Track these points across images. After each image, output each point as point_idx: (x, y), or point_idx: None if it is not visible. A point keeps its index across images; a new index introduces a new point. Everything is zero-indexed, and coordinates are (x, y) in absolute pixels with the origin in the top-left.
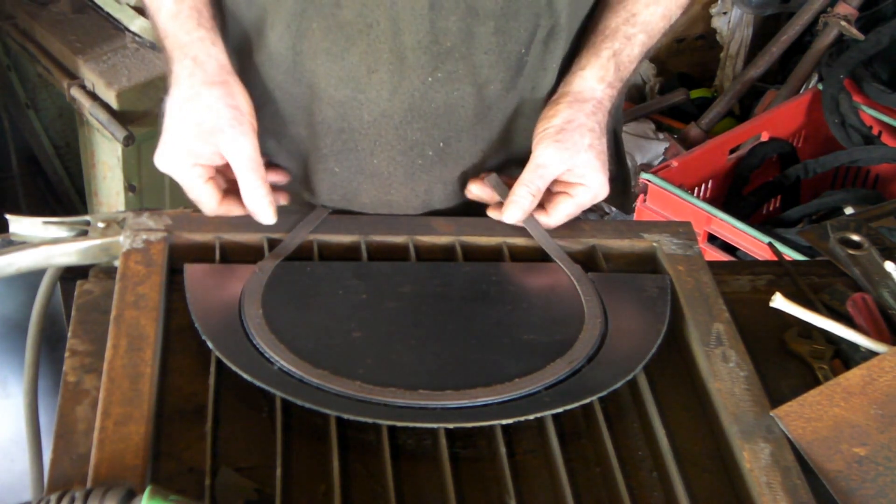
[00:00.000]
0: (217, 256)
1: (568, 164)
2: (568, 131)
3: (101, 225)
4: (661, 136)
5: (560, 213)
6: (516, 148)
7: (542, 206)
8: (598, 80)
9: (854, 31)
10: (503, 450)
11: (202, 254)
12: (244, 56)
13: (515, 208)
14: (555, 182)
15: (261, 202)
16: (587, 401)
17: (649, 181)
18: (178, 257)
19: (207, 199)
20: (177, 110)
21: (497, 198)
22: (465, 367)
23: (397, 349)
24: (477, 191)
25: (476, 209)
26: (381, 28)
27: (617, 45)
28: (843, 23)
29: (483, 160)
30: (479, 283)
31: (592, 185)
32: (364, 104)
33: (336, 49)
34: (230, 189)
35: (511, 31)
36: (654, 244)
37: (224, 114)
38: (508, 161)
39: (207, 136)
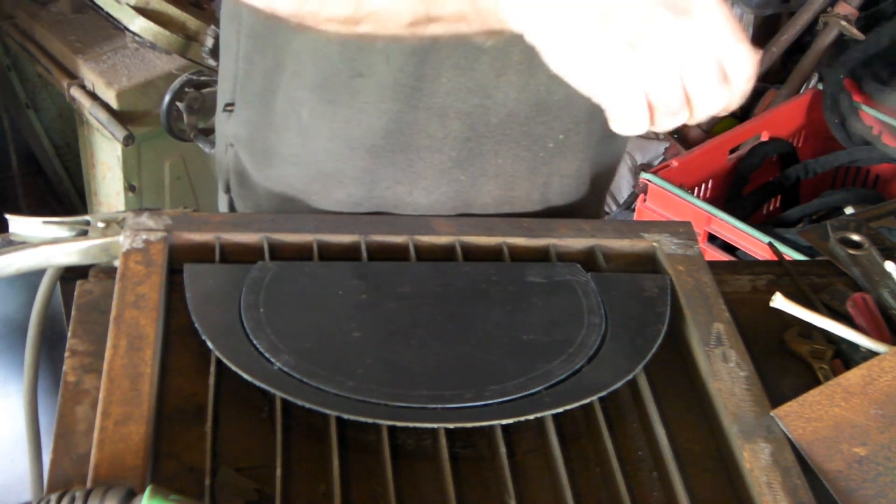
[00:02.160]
0: (217, 256)
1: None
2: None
3: (101, 225)
4: (661, 136)
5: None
6: (621, 143)
7: None
8: None
9: (854, 31)
10: (503, 450)
11: (202, 254)
12: (341, 100)
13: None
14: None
15: None
16: (587, 401)
17: (649, 181)
18: (178, 257)
19: None
20: None
21: None
22: (464, 367)
23: (397, 349)
24: None
25: (570, 213)
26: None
27: None
28: (843, 23)
29: (595, 154)
30: (479, 283)
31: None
32: (491, 108)
33: (464, 62)
34: None
35: None
36: (654, 244)
37: None
38: (614, 156)
39: None
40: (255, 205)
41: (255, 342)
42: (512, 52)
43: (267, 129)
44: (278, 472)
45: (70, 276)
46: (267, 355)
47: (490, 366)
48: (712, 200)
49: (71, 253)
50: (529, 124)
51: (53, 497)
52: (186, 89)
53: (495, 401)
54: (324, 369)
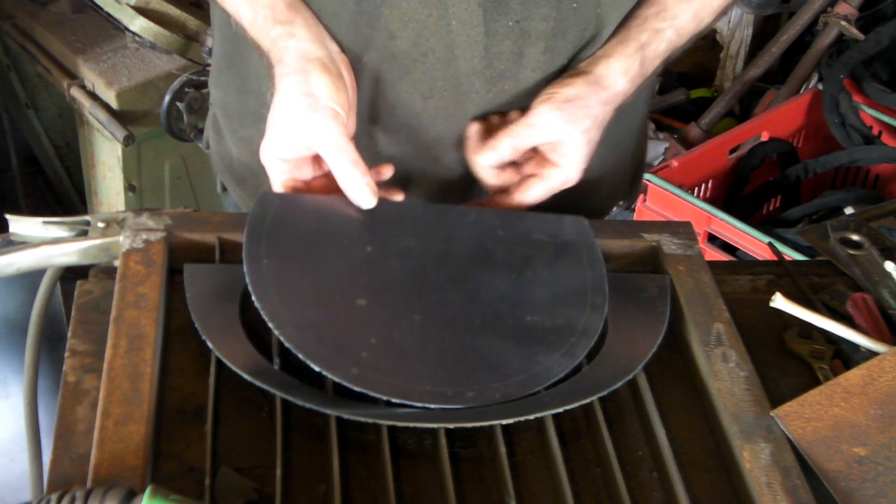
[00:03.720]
0: (217, 256)
1: (559, 136)
2: (575, 105)
3: (101, 225)
4: (661, 136)
5: (530, 195)
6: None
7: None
8: (622, 73)
9: (854, 31)
10: (503, 450)
11: (202, 254)
12: None
13: (492, 153)
14: (529, 159)
15: (355, 184)
16: (587, 401)
17: (649, 181)
18: (178, 257)
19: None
20: (271, 106)
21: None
22: (466, 357)
23: (401, 327)
24: (475, 130)
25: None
26: (436, 56)
27: (645, 37)
28: (843, 23)
29: None
30: (485, 241)
31: (568, 171)
32: (419, 129)
33: (389, 77)
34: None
35: (559, 49)
36: (654, 244)
37: (299, 103)
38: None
39: (289, 126)
40: (229, 166)
41: (259, 305)
42: (436, 77)
43: (240, 91)
44: (278, 472)
45: (70, 276)
46: (271, 325)
47: (492, 356)
48: (712, 200)
49: (71, 253)
50: (460, 151)
51: (53, 497)
52: (186, 89)
53: (495, 403)
54: (328, 350)
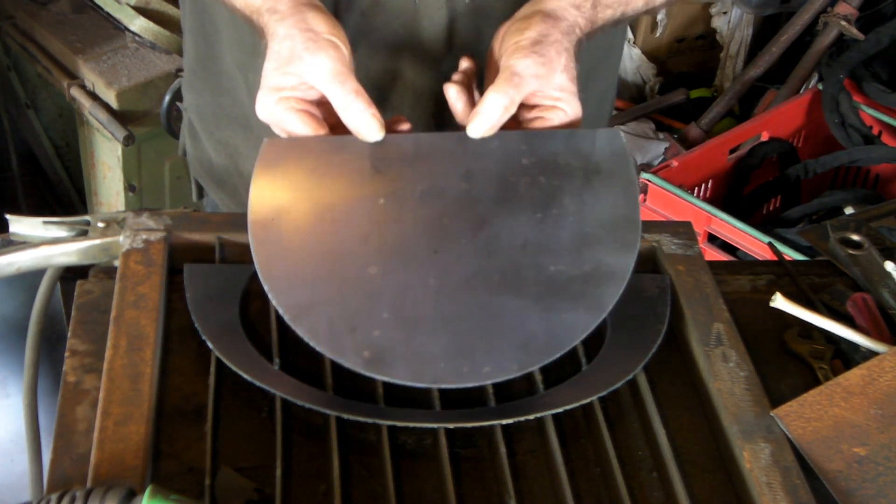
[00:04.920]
0: (217, 256)
1: (543, 82)
2: (545, 45)
3: (101, 225)
4: (661, 136)
5: None
6: None
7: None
8: (571, 5)
9: (854, 31)
10: (503, 450)
11: (202, 254)
12: None
13: (483, 119)
14: (525, 108)
15: (358, 115)
16: (587, 401)
17: (649, 181)
18: (178, 257)
19: (300, 129)
20: (265, 57)
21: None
22: (484, 323)
23: (415, 295)
24: (455, 93)
25: None
26: (401, 22)
27: None
28: (843, 23)
29: None
30: (509, 172)
31: (568, 110)
32: (387, 111)
33: (361, 48)
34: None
35: None
36: (654, 244)
37: (298, 39)
38: None
39: (285, 66)
40: (208, 170)
41: (266, 287)
42: (405, 45)
43: (215, 93)
44: (278, 472)
45: (70, 276)
46: (280, 310)
47: (511, 319)
48: (712, 200)
49: (71, 253)
50: (436, 107)
51: (53, 497)
52: None
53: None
54: (339, 334)
